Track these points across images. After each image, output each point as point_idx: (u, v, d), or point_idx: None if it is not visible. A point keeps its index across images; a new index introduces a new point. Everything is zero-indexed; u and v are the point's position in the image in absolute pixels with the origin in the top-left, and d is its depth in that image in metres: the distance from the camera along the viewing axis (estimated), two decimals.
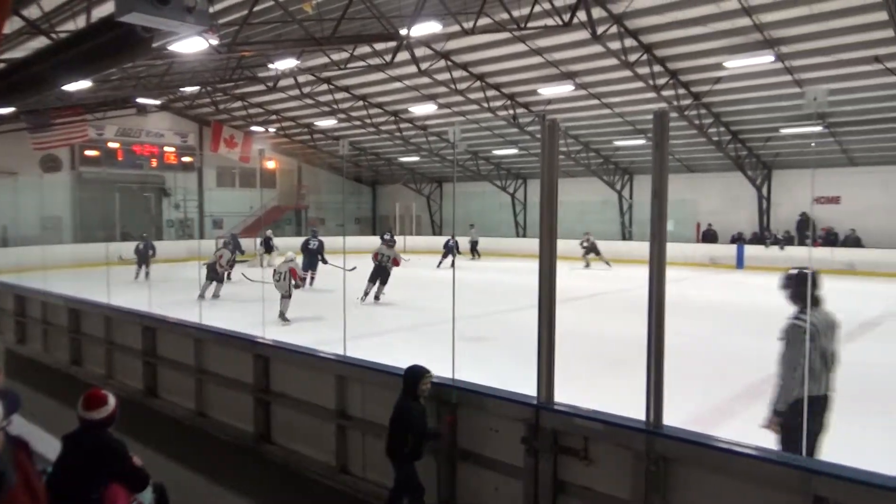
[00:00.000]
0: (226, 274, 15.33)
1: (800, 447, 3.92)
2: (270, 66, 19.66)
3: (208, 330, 7.05)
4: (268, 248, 21.89)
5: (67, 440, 3.63)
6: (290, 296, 12.05)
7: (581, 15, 14.79)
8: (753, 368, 8.61)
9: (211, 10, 14.12)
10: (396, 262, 14.73)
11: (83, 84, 17.07)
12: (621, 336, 10.16)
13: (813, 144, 22.12)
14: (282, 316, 11.80)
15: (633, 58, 17.24)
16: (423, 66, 19.41)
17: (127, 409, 4.06)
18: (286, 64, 18.92)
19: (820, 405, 4.25)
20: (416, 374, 4.46)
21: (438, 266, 22.97)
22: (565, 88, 20.53)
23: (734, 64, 16.74)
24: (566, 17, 14.79)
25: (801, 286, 4.39)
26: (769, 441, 4.16)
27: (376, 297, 14.47)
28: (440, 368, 4.77)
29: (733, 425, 6.23)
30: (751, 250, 23.77)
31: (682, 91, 19.41)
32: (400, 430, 4.36)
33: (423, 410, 4.41)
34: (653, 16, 15.50)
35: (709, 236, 25.75)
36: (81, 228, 26.38)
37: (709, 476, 3.44)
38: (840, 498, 2.97)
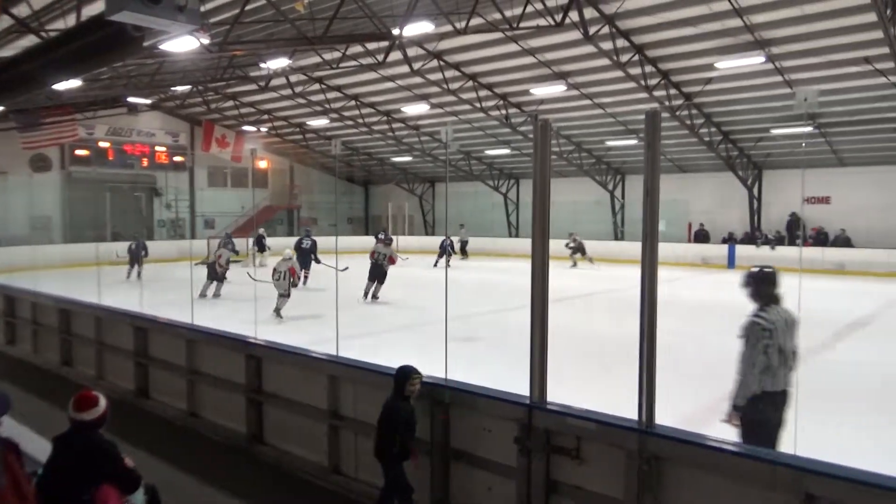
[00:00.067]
0: (225, 273, 15.39)
1: (760, 441, 4.01)
2: (262, 65, 19.60)
3: (200, 330, 7.02)
4: (261, 247, 21.84)
5: (58, 442, 3.61)
6: (288, 295, 12.21)
7: (573, 15, 14.83)
8: None
9: (202, 8, 14.05)
10: (392, 261, 14.90)
11: (73, 83, 16.97)
12: (613, 336, 10.18)
13: (803, 145, 22.24)
14: (277, 312, 11.98)
15: (624, 58, 17.29)
16: (416, 65, 19.40)
17: (118, 410, 4.04)
18: (278, 63, 18.88)
19: (779, 400, 4.37)
20: (403, 374, 4.46)
21: (436, 265, 23.11)
22: (557, 88, 20.58)
23: (725, 64, 16.83)
24: (558, 18, 14.82)
25: (761, 285, 4.51)
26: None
27: (374, 297, 14.57)
28: (434, 368, 4.78)
29: (725, 425, 6.25)
30: (742, 250, 23.88)
31: (673, 91, 19.48)
32: (388, 429, 4.37)
33: (412, 411, 4.41)
34: (644, 16, 15.55)
35: (701, 236, 25.86)
36: (71, 228, 26.22)
37: (701, 475, 3.46)
38: (831, 496, 2.99)
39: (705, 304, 15.12)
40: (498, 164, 31.26)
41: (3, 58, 9.94)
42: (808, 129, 20.13)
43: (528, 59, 19.18)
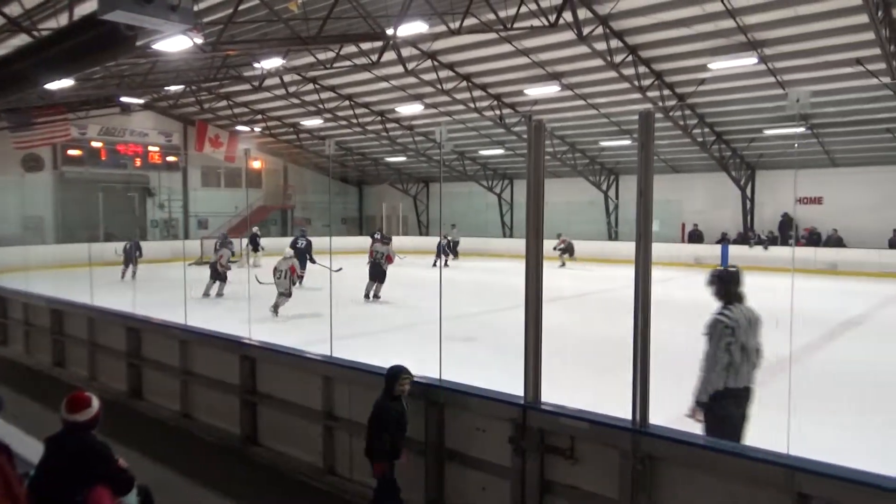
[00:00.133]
0: (226, 273, 15.53)
1: (724, 436, 4.07)
2: (256, 65, 19.55)
3: (193, 331, 7.00)
4: (255, 245, 21.79)
5: (50, 443, 3.59)
6: (289, 294, 12.42)
7: (567, 16, 14.86)
8: None
9: (195, 8, 14.01)
10: (390, 259, 15.07)
11: (65, 82, 16.88)
12: (607, 336, 10.20)
13: (796, 145, 22.36)
14: (275, 309, 12.26)
15: (618, 59, 17.33)
16: (410, 66, 19.39)
17: (111, 411, 4.02)
18: (272, 63, 18.83)
19: (742, 396, 4.48)
20: (392, 373, 4.47)
21: (434, 265, 23.45)
22: (551, 89, 20.61)
23: (718, 65, 16.89)
24: (552, 18, 14.83)
25: (724, 284, 4.62)
26: (754, 439, 4.20)
27: (376, 296, 14.76)
28: (428, 368, 4.78)
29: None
30: (735, 250, 23.98)
31: (667, 92, 19.54)
32: (377, 429, 4.37)
33: (403, 410, 4.41)
34: (638, 17, 15.59)
35: (695, 237, 25.95)
36: (64, 229, 26.06)
37: (694, 474, 3.47)
38: (824, 495, 3.00)
39: (699, 304, 15.11)
40: (492, 164, 31.29)
41: None
42: (801, 129, 20.25)
43: (522, 60, 19.20)
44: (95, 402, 3.69)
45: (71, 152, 27.63)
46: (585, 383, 7.35)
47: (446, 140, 25.17)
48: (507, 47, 18.36)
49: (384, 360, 5.01)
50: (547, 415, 3.96)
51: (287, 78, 22.82)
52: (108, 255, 18.72)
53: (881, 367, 8.98)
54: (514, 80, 20.95)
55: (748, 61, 16.35)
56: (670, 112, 20.01)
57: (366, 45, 17.82)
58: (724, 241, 24.90)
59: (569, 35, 15.96)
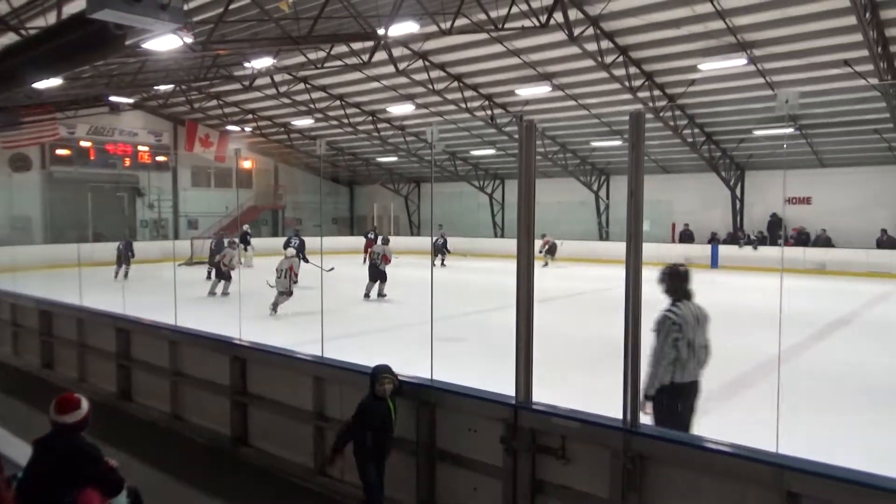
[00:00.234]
0: (230, 272, 15.73)
1: (672, 428, 4.18)
2: (246, 64, 19.48)
3: (183, 332, 6.96)
4: (245, 241, 21.75)
5: (38, 445, 3.56)
6: (290, 293, 12.67)
7: (558, 16, 14.89)
8: (726, 367, 8.74)
9: (185, 7, 13.95)
10: (387, 259, 15.22)
11: (54, 81, 16.76)
12: (598, 335, 10.24)
13: (785, 146, 22.50)
14: (274, 307, 12.57)
15: (609, 59, 17.39)
16: (401, 66, 19.38)
17: (100, 412, 4.00)
18: (262, 63, 18.77)
19: (688, 391, 4.63)
20: (374, 373, 4.50)
21: (442, 264, 24.10)
22: (542, 89, 20.65)
23: (708, 66, 16.99)
24: (543, 19, 14.87)
25: (674, 281, 4.74)
26: (743, 438, 4.22)
27: (380, 295, 14.99)
28: (419, 368, 4.77)
29: (708, 423, 6.30)
30: (725, 250, 24.14)
31: (657, 93, 19.62)
32: (360, 427, 4.38)
33: (388, 411, 4.40)
34: (629, 18, 15.65)
35: (686, 237, 26.08)
36: (52, 229, 25.86)
37: (684, 473, 3.48)
38: (812, 493, 3.02)
39: None
40: (483, 164, 31.31)
41: None
42: (790, 130, 20.39)
43: (513, 60, 19.23)
44: (85, 404, 3.67)
45: (59, 152, 27.44)
46: (576, 383, 7.37)
47: (437, 140, 25.10)
48: (498, 47, 18.38)
49: (375, 361, 5.01)
50: (538, 415, 3.97)
51: (278, 77, 22.75)
52: (98, 256, 18.59)
53: (869, 367, 9.05)
54: (506, 80, 20.98)
55: (738, 62, 16.45)
56: (661, 113, 20.09)
57: (357, 45, 17.79)
58: (713, 241, 25.03)
59: (560, 36, 16.01)
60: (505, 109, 23.38)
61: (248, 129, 30.25)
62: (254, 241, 24.04)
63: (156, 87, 23.16)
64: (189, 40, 14.62)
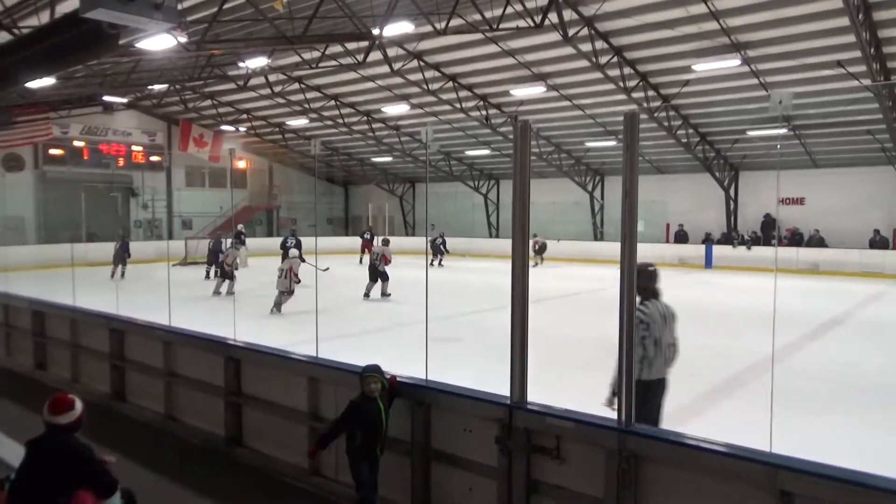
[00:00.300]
0: (234, 272, 16.00)
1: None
2: (241, 64, 19.44)
3: (177, 332, 6.93)
4: (239, 240, 21.74)
5: (32, 446, 3.54)
6: (291, 292, 12.99)
7: (552, 17, 14.92)
8: (721, 366, 8.78)
9: (179, 6, 13.91)
10: (386, 260, 15.43)
11: (47, 81, 16.69)
12: (593, 335, 10.25)
13: (778, 146, 22.60)
14: (278, 307, 12.88)
15: (603, 60, 17.43)
16: (396, 66, 19.37)
17: (93, 413, 3.98)
18: (257, 62, 18.74)
19: (655, 387, 4.69)
20: (360, 373, 4.50)
21: (431, 264, 24.01)
22: (537, 90, 20.68)
23: (702, 67, 17.05)
24: (538, 19, 14.89)
25: (642, 280, 4.72)
26: (737, 438, 4.23)
27: (383, 294, 15.20)
28: (414, 369, 4.77)
29: (702, 423, 6.33)
30: (719, 250, 24.23)
31: (651, 93, 19.68)
32: (351, 426, 4.40)
33: (378, 411, 4.39)
34: (623, 19, 15.69)
35: (680, 237, 26.17)
36: (45, 229, 25.77)
37: (679, 473, 3.49)
38: (805, 492, 3.03)
39: (682, 304, 15.26)
40: (478, 164, 31.33)
41: None
42: (783, 131, 20.47)
43: (508, 61, 19.25)
44: (79, 405, 3.66)
45: (52, 152, 27.31)
46: (571, 383, 7.38)
47: (432, 140, 25.18)
48: (493, 48, 18.40)
49: (372, 361, 5.00)
50: (533, 415, 3.97)
51: (272, 77, 22.71)
52: (91, 256, 18.58)
53: (862, 367, 9.10)
54: (500, 80, 21.00)
55: (731, 63, 16.52)
56: (655, 113, 20.15)
57: (351, 45, 17.78)
58: (708, 241, 25.12)
59: (554, 36, 16.03)
60: (500, 110, 23.40)
61: (242, 128, 30.18)
62: (249, 241, 23.97)
63: (150, 87, 23.09)
64: (183, 40, 14.58)
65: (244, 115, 28.47)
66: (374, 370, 4.50)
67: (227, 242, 19.80)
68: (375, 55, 18.37)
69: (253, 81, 22.76)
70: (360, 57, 18.08)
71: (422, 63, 20.08)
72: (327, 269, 14.65)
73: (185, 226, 31.11)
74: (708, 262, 24.12)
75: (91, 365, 8.11)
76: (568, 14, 15.32)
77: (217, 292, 15.66)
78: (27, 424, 4.10)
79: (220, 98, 26.46)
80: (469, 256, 27.18)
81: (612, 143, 24.43)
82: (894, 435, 6.30)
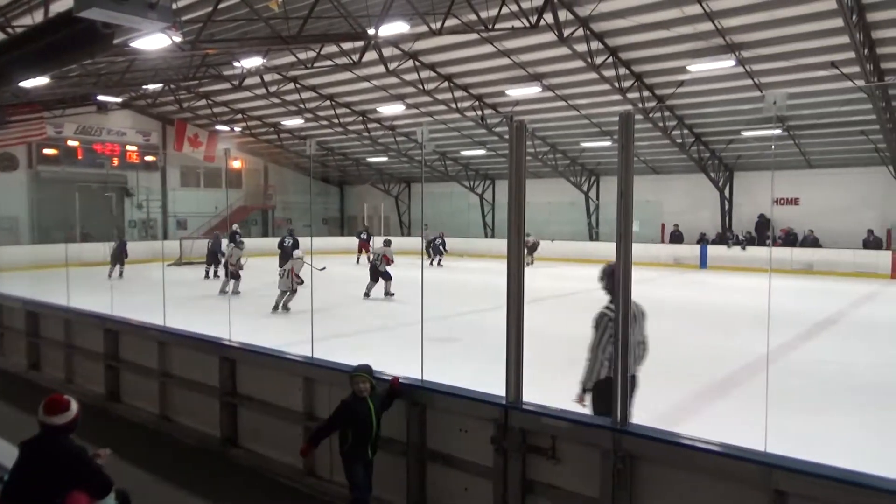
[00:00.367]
0: (238, 271, 16.15)
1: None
2: (236, 64, 19.40)
3: (172, 332, 6.92)
4: (235, 242, 21.72)
5: (26, 447, 3.53)
6: (292, 291, 13.23)
7: (548, 17, 14.93)
8: (715, 366, 8.81)
9: (174, 6, 13.87)
10: (387, 260, 15.57)
11: (41, 80, 16.62)
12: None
13: (773, 147, 22.66)
14: (284, 307, 13.21)
15: (599, 60, 17.45)
16: (391, 66, 19.36)
17: (88, 413, 3.97)
18: (252, 62, 18.70)
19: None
20: (349, 374, 4.49)
21: (432, 264, 24.51)
22: (533, 90, 20.69)
23: (697, 67, 17.08)
24: (533, 20, 14.90)
25: (613, 280, 4.83)
26: (732, 438, 4.24)
27: (387, 294, 15.31)
28: (410, 369, 4.77)
29: (697, 422, 6.35)
30: (713, 250, 24.30)
31: (646, 94, 19.71)
32: (342, 426, 4.41)
33: (368, 411, 4.38)
34: (618, 19, 15.71)
35: (675, 237, 26.23)
36: (39, 229, 25.65)
37: (674, 472, 3.50)
38: (799, 491, 3.04)
39: (677, 304, 15.31)
40: (474, 164, 31.33)
41: None
42: (778, 131, 20.54)
43: (504, 61, 19.25)
44: (74, 406, 3.64)
45: (46, 151, 27.18)
46: (567, 383, 7.38)
47: (428, 140, 25.13)
48: (488, 48, 18.40)
49: (369, 361, 5.00)
50: (529, 415, 3.97)
51: (267, 77, 22.67)
52: (85, 256, 18.53)
53: (856, 366, 9.14)
54: (496, 80, 21.01)
55: (726, 64, 16.55)
56: (650, 113, 20.19)
57: (347, 45, 17.76)
58: (702, 241, 25.18)
59: (550, 36, 16.05)
60: (495, 110, 23.41)
61: (237, 128, 30.11)
62: (245, 241, 23.88)
63: (144, 87, 23.01)
64: (178, 39, 14.54)
65: (239, 115, 28.40)
66: (363, 370, 4.49)
67: (225, 243, 19.89)
68: (371, 55, 18.35)
69: (248, 81, 22.70)
70: (356, 57, 18.06)
71: (417, 63, 20.07)
72: (324, 268, 14.67)
73: (180, 226, 31.01)
74: (703, 263, 24.19)
75: (85, 365, 8.09)
76: (563, 14, 15.33)
77: (224, 291, 15.86)
78: (21, 425, 4.08)
79: (215, 98, 26.39)
80: (466, 256, 27.18)
81: (607, 144, 24.47)
82: (888, 434, 6.33)
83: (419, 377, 4.69)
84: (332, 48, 18.23)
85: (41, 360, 8.98)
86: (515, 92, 21.26)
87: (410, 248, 25.83)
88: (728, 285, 18.33)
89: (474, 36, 16.97)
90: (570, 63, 18.34)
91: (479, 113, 23.09)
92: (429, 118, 24.27)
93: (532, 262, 24.31)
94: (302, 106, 24.88)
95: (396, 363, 5.08)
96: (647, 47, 17.42)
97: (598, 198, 29.04)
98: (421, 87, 20.83)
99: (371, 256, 15.78)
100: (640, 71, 18.89)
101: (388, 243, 16.29)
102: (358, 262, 26.02)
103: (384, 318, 13.09)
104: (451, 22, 15.31)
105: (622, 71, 18.38)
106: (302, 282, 13.23)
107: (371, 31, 15.33)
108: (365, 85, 22.63)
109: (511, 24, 15.36)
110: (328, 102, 25.01)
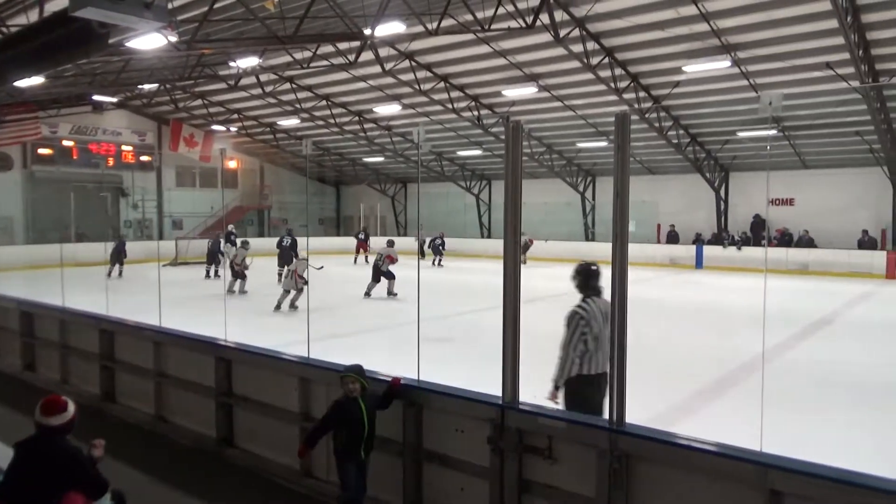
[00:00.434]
0: (244, 271, 16.31)
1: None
2: (232, 63, 19.36)
3: (168, 332, 6.90)
4: (231, 243, 21.71)
5: (21, 448, 3.51)
6: (298, 290, 13.33)
7: (544, 18, 14.95)
8: (711, 366, 8.83)
9: (170, 5, 13.85)
10: (391, 259, 15.66)
11: (36, 80, 16.56)
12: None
13: (768, 147, 22.71)
14: (292, 306, 13.34)
15: (595, 61, 17.48)
16: (387, 66, 19.36)
17: (83, 414, 3.95)
18: (248, 62, 18.67)
19: (597, 382, 4.83)
20: (341, 373, 4.48)
21: (432, 264, 24.57)
22: (529, 90, 20.71)
23: (693, 68, 17.12)
24: (529, 20, 14.91)
25: (584, 278, 5.06)
26: (728, 437, 4.26)
27: (389, 293, 15.38)
28: (407, 369, 4.77)
29: (693, 422, 6.36)
30: (709, 251, 24.34)
31: (642, 94, 19.74)
32: (335, 426, 4.40)
33: (360, 412, 4.36)
34: (614, 20, 15.74)
35: (671, 237, 26.29)
36: (34, 229, 25.57)
37: (670, 472, 3.51)
38: (795, 491, 3.05)
39: (673, 304, 15.36)
40: (470, 165, 31.34)
41: None
42: (773, 132, 20.58)
43: (500, 61, 19.27)
44: (71, 407, 3.63)
45: (41, 151, 27.10)
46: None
47: (424, 140, 25.07)
48: (484, 48, 18.41)
49: (367, 361, 4.99)
50: (525, 415, 3.97)
51: (263, 77, 22.64)
52: (81, 256, 18.48)
53: (851, 366, 9.16)
54: (492, 81, 21.02)
55: (722, 64, 16.60)
56: (646, 114, 20.22)
57: (343, 45, 17.74)
58: (698, 241, 25.23)
59: (546, 37, 16.06)
60: (491, 110, 23.42)
61: (233, 128, 30.06)
62: (238, 241, 23.87)
63: (140, 86, 22.95)
64: (173, 39, 14.51)
65: (235, 115, 28.35)
66: (352, 371, 4.47)
67: (223, 243, 19.92)
68: (367, 55, 18.34)
69: (244, 81, 22.67)
70: (352, 57, 18.04)
71: (413, 63, 20.07)
72: (321, 267, 14.72)
73: (176, 226, 30.94)
74: (698, 263, 24.23)
75: (80, 366, 8.06)
76: (559, 15, 15.36)
77: (231, 291, 16.03)
78: (15, 426, 4.07)
79: (211, 98, 26.34)
80: (462, 257, 27.18)
81: (603, 144, 24.49)
82: (883, 434, 6.35)
83: (413, 377, 4.68)
84: (329, 48, 18.21)
85: (36, 361, 8.95)
86: (512, 92, 21.28)
87: (406, 248, 25.82)
88: (724, 285, 18.38)
89: (470, 36, 16.98)
90: (567, 63, 18.36)
91: (476, 113, 23.09)
92: (425, 118, 24.26)
93: (525, 262, 24.35)
94: (298, 106, 24.86)
95: (394, 363, 5.08)
96: (643, 48, 17.45)
97: (594, 198, 29.08)
98: (417, 87, 20.83)
99: (376, 256, 15.89)
100: (636, 71, 18.92)
101: (391, 244, 16.38)
102: (355, 262, 26.00)
103: (383, 318, 13.09)
104: (447, 22, 15.31)
105: (618, 71, 18.41)
106: (306, 282, 13.33)
107: (367, 32, 15.31)
108: (361, 85, 22.61)
109: (507, 25, 15.36)
110: (324, 102, 24.99)
